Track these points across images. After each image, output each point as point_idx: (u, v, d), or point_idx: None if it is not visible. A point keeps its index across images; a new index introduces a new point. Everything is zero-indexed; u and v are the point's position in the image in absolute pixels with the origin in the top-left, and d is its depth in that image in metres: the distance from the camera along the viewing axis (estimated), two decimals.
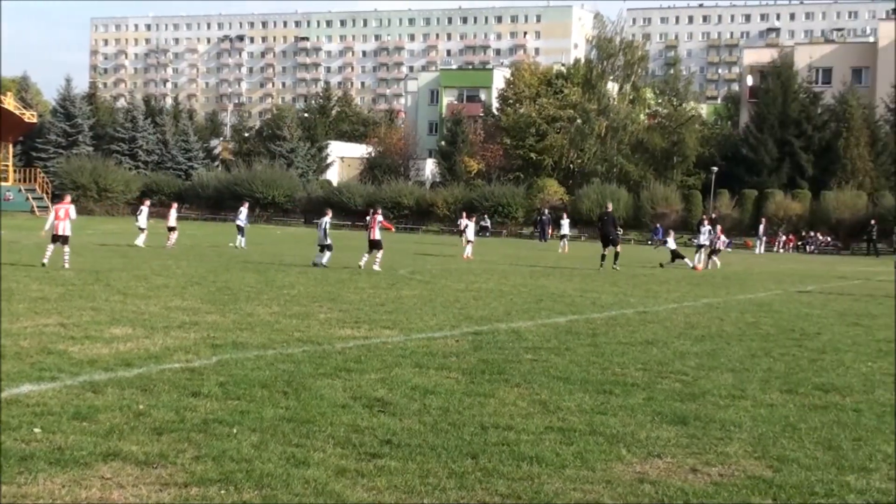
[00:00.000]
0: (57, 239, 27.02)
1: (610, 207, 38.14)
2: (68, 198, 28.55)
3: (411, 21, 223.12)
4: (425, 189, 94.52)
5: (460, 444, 8.44)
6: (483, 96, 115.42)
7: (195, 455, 7.82)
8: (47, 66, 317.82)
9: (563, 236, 55.31)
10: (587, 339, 15.47)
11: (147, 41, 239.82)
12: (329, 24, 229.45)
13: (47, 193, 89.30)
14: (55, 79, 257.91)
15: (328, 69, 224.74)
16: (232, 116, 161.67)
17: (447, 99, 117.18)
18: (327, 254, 30.72)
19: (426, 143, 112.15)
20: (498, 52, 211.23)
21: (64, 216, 27.16)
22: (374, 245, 31.04)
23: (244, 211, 43.44)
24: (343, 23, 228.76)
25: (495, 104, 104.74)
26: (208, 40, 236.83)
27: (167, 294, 20.32)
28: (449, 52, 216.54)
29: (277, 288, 22.76)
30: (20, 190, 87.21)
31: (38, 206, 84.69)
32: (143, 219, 40.52)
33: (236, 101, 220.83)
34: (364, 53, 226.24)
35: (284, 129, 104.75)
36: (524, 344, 14.72)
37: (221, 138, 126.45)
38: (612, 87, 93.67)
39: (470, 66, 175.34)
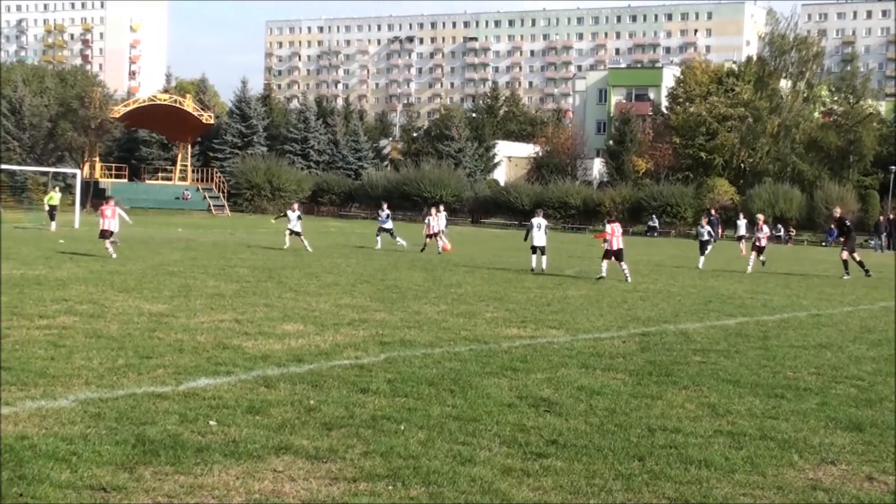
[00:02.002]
0: (105, 235, 29.46)
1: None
2: (111, 200, 31.04)
3: (580, 20, 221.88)
4: (592, 189, 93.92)
5: (627, 446, 8.36)
6: (652, 95, 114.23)
7: (364, 451, 7.95)
8: (224, 68, 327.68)
9: (741, 237, 53.72)
10: (758, 342, 15.15)
11: (319, 43, 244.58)
12: (497, 24, 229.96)
13: (223, 193, 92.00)
14: (232, 81, 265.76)
15: (496, 69, 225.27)
16: (401, 117, 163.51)
17: (616, 98, 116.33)
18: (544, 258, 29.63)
19: (594, 143, 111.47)
20: (668, 50, 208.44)
21: (111, 215, 29.71)
22: (617, 255, 27.29)
23: (383, 213, 42.37)
24: (511, 22, 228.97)
25: (664, 103, 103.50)
26: (378, 42, 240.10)
27: (337, 292, 20.70)
28: (618, 51, 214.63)
29: (444, 287, 22.94)
30: (198, 189, 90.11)
31: (214, 206, 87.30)
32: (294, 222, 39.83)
33: (405, 102, 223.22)
34: (532, 53, 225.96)
35: (452, 129, 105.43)
36: (692, 346, 14.50)
37: (391, 138, 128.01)
38: (786, 85, 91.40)
39: (639, 65, 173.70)
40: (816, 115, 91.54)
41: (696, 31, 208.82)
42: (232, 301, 18.12)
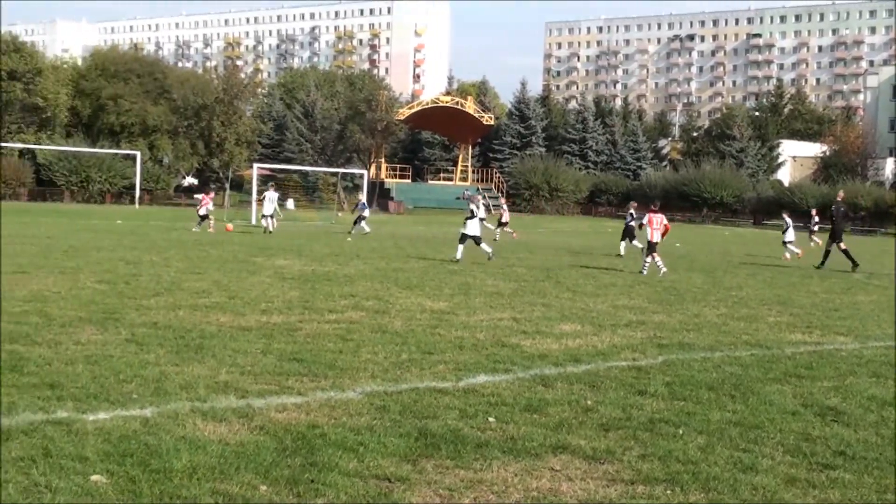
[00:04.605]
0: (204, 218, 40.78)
1: None
2: (212, 193, 43.59)
3: (872, 13, 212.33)
4: (885, 189, 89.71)
5: None
6: None
7: (641, 453, 7.87)
8: (504, 70, 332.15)
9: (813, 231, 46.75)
10: None
11: (598, 43, 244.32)
12: (783, 19, 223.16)
13: (502, 192, 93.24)
14: (511, 82, 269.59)
15: (781, 66, 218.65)
16: (681, 116, 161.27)
17: None
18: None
19: (886, 141, 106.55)
20: None
21: (207, 202, 41.42)
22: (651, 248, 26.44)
23: (271, 194, 41.70)
24: (798, 17, 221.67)
25: None
26: (658, 40, 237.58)
27: (614, 292, 20.60)
28: None
29: (725, 289, 22.46)
30: (477, 189, 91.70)
31: (493, 206, 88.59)
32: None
33: (685, 101, 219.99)
34: (820, 48, 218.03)
35: (734, 129, 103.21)
36: None
37: (670, 138, 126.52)
38: None
39: None
40: None
41: None
42: (510, 300, 18.33)
